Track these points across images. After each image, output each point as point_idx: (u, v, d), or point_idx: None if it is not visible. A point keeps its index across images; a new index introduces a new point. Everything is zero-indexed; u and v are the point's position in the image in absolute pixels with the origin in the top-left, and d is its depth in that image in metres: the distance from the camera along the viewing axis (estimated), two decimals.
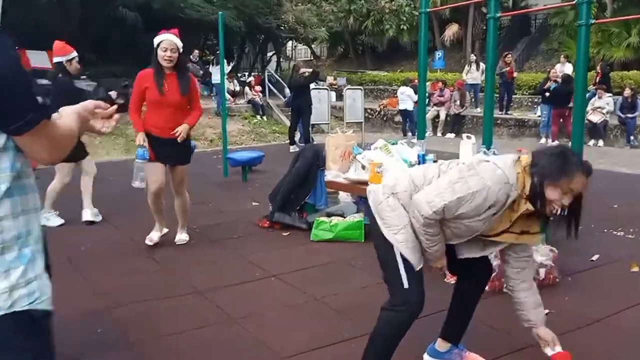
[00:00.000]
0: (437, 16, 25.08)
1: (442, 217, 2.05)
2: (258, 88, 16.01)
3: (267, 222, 4.85)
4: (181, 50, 4.04)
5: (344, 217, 4.58)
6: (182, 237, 4.49)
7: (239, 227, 4.94)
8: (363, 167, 4.41)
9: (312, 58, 35.68)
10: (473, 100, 14.59)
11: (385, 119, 15.78)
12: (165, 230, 4.51)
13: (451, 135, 13.55)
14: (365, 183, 4.35)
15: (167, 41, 3.92)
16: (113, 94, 5.13)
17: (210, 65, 14.98)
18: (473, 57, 14.73)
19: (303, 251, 4.29)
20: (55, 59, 4.88)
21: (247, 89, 15.47)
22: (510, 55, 14.43)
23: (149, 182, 4.09)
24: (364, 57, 31.45)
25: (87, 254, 4.31)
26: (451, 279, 3.14)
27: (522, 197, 2.03)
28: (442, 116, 14.14)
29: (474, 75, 14.17)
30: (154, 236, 4.37)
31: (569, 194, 1.96)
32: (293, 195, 4.78)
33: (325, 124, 11.22)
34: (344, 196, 5.08)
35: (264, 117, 14.66)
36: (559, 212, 2.03)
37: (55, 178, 5.01)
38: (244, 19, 16.56)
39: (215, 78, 13.99)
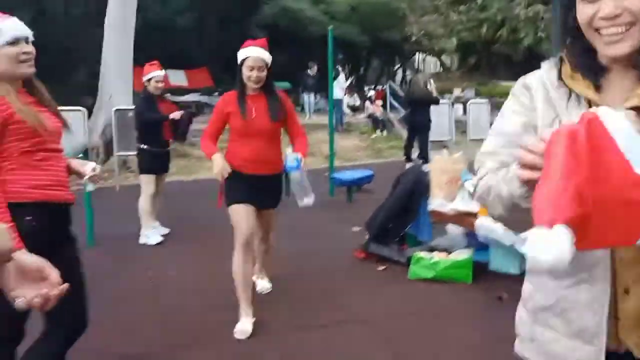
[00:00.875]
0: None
1: None
2: (379, 102, 15.63)
3: (364, 253, 4.37)
4: (269, 64, 3.25)
5: (450, 253, 3.95)
6: (264, 284, 3.78)
7: (332, 257, 4.52)
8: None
9: (441, 70, 34.61)
10: None
11: None
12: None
13: None
14: (475, 215, 3.72)
15: (253, 58, 3.15)
16: (177, 114, 4.91)
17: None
18: None
19: (398, 292, 3.75)
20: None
21: (367, 103, 15.17)
22: None
23: (235, 231, 3.22)
24: (497, 68, 29.70)
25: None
26: None
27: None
28: None
29: None
30: (246, 327, 3.15)
31: None
32: (391, 224, 4.26)
33: (447, 139, 10.44)
34: (452, 228, 4.44)
35: (384, 132, 14.22)
36: None
37: (142, 193, 5.08)
38: (368, 34, 16.37)
39: (334, 93, 13.88)
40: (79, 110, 7.51)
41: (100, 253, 4.77)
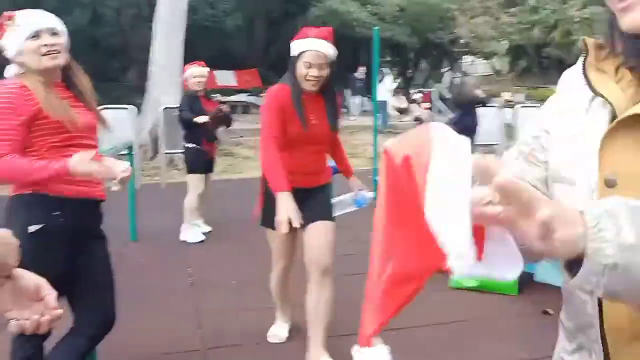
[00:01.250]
0: None
1: None
2: (426, 105, 15.38)
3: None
4: (333, 62, 2.61)
5: None
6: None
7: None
8: None
9: (491, 73, 33.81)
10: None
11: None
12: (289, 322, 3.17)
13: None
14: None
15: (313, 54, 2.51)
16: (201, 118, 4.75)
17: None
18: None
19: (438, 301, 3.61)
20: None
21: (413, 105, 14.96)
22: None
23: (275, 257, 2.86)
24: (550, 71, 28.74)
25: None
26: None
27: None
28: None
29: None
30: (281, 332, 3.08)
31: None
32: None
33: (496, 144, 10.15)
34: None
35: None
36: None
37: (189, 192, 5.10)
38: (417, 35, 16.14)
39: (380, 95, 13.77)
40: (127, 108, 7.69)
41: (142, 248, 4.86)
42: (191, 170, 5.13)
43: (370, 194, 2.97)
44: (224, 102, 17.59)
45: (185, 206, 5.10)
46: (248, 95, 18.30)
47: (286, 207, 2.39)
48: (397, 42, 16.78)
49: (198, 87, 5.09)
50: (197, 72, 5.06)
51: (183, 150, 5.32)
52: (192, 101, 5.07)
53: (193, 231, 5.12)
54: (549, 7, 18.58)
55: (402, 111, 15.12)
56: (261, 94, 19.97)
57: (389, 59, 21.39)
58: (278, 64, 19.91)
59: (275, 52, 18.87)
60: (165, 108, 8.29)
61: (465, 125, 9.12)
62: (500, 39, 16.77)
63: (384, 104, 13.87)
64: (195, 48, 9.75)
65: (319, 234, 2.64)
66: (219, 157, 10.46)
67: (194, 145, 5.06)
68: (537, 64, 29.53)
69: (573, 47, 24.38)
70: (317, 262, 2.62)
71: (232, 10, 16.85)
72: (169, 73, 9.55)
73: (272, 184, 2.51)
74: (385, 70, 14.59)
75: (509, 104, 15.81)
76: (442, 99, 17.12)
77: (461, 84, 10.87)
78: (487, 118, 9.76)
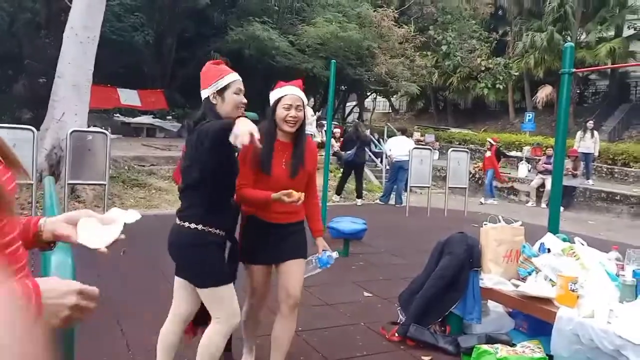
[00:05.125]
0: (529, 77, 23.78)
1: None
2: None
3: (398, 336, 3.64)
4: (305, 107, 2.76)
5: (513, 345, 3.31)
6: None
7: (357, 337, 3.72)
8: (547, 278, 3.18)
9: (390, 111, 35.02)
10: (585, 171, 13.02)
11: (480, 182, 14.44)
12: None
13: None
14: (549, 301, 3.12)
15: (291, 97, 2.69)
16: None
17: None
18: (590, 124, 13.20)
19: None
20: None
21: (332, 140, 14.64)
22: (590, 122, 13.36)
23: (248, 293, 2.88)
24: (444, 114, 30.36)
25: None
26: None
27: None
28: (548, 186, 12.59)
29: (587, 143, 12.67)
30: None
31: None
32: (436, 302, 3.58)
33: (425, 187, 10.02)
34: (493, 305, 3.83)
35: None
36: None
37: None
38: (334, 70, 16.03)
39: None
40: (30, 129, 6.39)
41: None
42: None
43: (335, 254, 2.90)
44: (128, 124, 16.01)
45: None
46: (153, 117, 16.94)
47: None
48: (314, 75, 16.54)
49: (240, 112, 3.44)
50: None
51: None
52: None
53: None
54: (458, 54, 19.51)
55: (318, 146, 14.74)
56: (168, 117, 18.69)
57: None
58: (186, 87, 18.80)
59: (184, 74, 17.77)
60: (75, 131, 7.05)
61: (355, 162, 9.89)
62: (414, 80, 17.17)
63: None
64: (97, 63, 8.49)
65: (292, 271, 2.79)
66: (127, 189, 9.31)
67: None
68: (434, 106, 31.15)
69: (468, 93, 26.09)
70: (289, 296, 2.77)
71: (142, 25, 15.56)
72: (76, 89, 8.26)
73: (258, 199, 2.64)
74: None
75: (421, 144, 16.16)
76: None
77: (354, 126, 11.73)
78: (419, 159, 9.65)
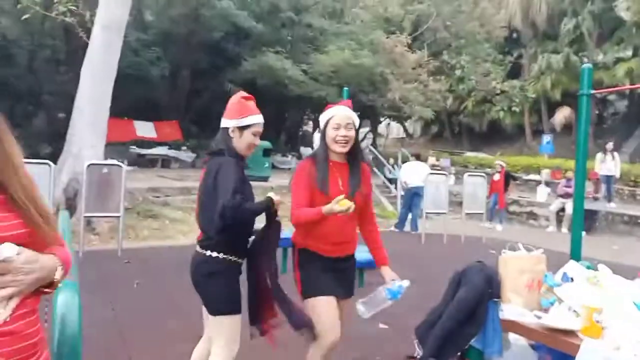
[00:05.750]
0: (546, 99, 23.65)
1: None
2: None
3: None
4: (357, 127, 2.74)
5: None
6: None
7: None
8: (572, 310, 3.04)
9: (404, 136, 35.01)
10: (606, 194, 12.78)
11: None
12: None
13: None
14: (573, 334, 2.98)
15: (341, 116, 2.65)
16: None
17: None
18: (610, 146, 13.00)
19: None
20: None
21: None
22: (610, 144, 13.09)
23: (324, 330, 2.58)
24: (459, 138, 30.25)
25: None
26: None
27: None
28: (569, 210, 12.34)
29: (608, 165, 12.45)
30: None
31: None
32: (454, 336, 3.46)
33: (442, 213, 9.85)
34: (515, 338, 3.68)
35: None
36: None
37: None
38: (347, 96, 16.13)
39: None
40: (47, 163, 6.46)
41: None
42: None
43: (406, 282, 2.77)
44: (143, 155, 16.22)
45: None
46: (168, 148, 17.14)
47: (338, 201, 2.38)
48: (327, 102, 16.61)
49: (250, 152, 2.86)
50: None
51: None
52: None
53: None
54: (473, 78, 19.52)
55: None
56: (182, 148, 18.90)
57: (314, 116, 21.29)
58: (200, 118, 19.05)
59: (199, 105, 18.03)
60: (92, 164, 7.12)
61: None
62: (428, 104, 17.16)
63: None
64: (116, 96, 8.65)
65: (345, 311, 2.74)
66: (142, 220, 9.30)
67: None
68: (449, 130, 31.10)
69: (483, 117, 26.00)
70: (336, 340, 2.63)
71: (158, 58, 15.88)
72: (94, 123, 8.39)
73: (310, 218, 2.55)
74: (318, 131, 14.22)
75: (437, 168, 16.03)
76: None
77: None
78: (434, 185, 9.55)
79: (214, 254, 2.46)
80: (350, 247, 2.77)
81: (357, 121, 2.72)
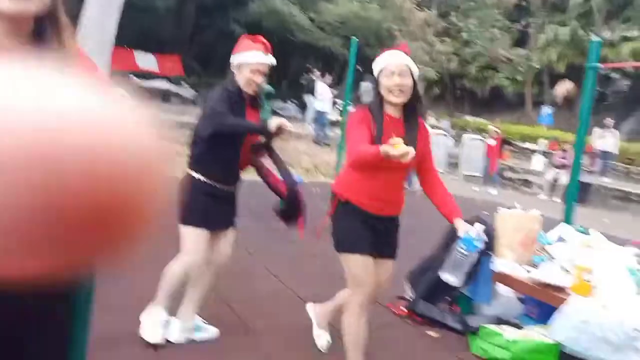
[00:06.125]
0: (549, 71, 23.43)
1: None
2: None
3: (406, 311, 3.67)
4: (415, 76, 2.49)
5: (520, 328, 3.32)
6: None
7: None
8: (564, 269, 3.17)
9: None
10: (602, 168, 12.94)
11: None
12: None
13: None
14: (562, 290, 3.12)
15: (395, 63, 2.42)
16: None
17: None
18: (610, 122, 13.04)
19: None
20: None
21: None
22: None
23: (356, 288, 2.51)
24: (461, 102, 30.06)
25: None
26: None
27: None
28: (564, 181, 12.49)
29: (608, 141, 12.52)
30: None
31: None
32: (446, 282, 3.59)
33: (440, 172, 9.95)
34: (503, 290, 3.83)
35: None
36: None
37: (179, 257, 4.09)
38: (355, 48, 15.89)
39: (317, 105, 13.32)
40: None
41: None
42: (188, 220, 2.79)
43: (478, 227, 2.58)
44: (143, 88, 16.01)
45: (169, 277, 2.76)
46: (168, 82, 16.90)
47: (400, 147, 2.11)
48: (332, 53, 16.42)
49: (252, 88, 2.78)
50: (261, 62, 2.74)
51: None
52: (232, 101, 2.79)
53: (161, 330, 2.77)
54: (479, 43, 19.24)
55: (334, 124, 14.70)
56: (182, 83, 18.64)
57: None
58: (203, 55, 18.70)
59: (202, 41, 17.70)
60: None
61: None
62: (432, 65, 16.97)
63: (321, 114, 13.33)
64: (119, 24, 8.41)
65: (385, 272, 2.63)
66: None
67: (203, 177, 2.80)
68: (451, 94, 30.85)
69: (486, 83, 25.78)
70: (379, 286, 2.62)
71: None
72: (99, 58, 8.23)
73: (369, 155, 2.31)
74: (322, 79, 14.09)
75: (438, 129, 16.03)
76: None
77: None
78: (434, 144, 9.60)
79: (192, 173, 2.70)
80: (394, 209, 2.60)
81: (415, 69, 2.50)
